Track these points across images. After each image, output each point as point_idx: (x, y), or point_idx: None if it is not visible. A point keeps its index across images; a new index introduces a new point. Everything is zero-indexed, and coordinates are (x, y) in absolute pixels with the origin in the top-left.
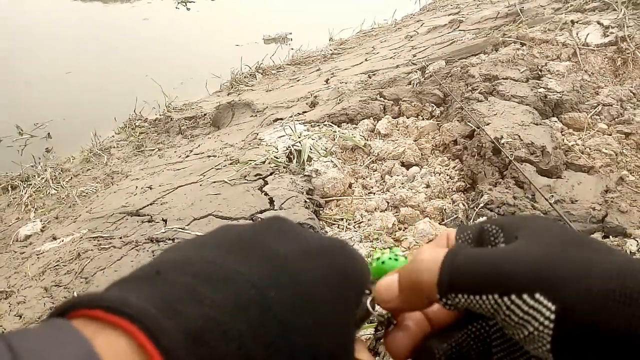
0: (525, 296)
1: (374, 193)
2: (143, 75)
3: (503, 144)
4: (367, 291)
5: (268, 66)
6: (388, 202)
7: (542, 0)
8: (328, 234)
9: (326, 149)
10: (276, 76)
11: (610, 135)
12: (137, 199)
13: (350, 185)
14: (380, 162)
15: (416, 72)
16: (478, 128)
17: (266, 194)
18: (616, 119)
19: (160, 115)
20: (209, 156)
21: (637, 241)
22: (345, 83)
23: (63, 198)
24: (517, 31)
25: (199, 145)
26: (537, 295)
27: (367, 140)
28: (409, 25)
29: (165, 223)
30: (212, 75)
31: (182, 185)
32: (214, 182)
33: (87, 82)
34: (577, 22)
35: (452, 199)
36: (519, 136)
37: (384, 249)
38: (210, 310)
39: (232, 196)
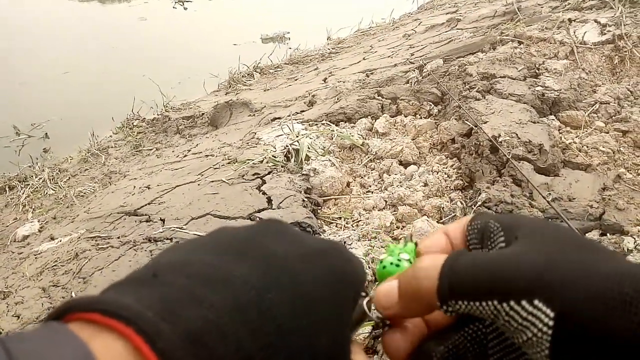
0: (524, 302)
1: (372, 192)
2: (141, 75)
3: (501, 142)
4: (363, 293)
5: (266, 65)
6: (386, 201)
7: None
8: (326, 232)
9: (324, 148)
10: (274, 75)
11: (607, 133)
12: (135, 199)
13: (348, 184)
14: (378, 161)
15: (414, 70)
16: (476, 126)
17: (264, 193)
18: (613, 117)
19: (158, 115)
20: (207, 156)
21: (635, 238)
22: (343, 82)
23: (61, 198)
24: (514, 29)
25: (196, 145)
26: (536, 302)
27: (365, 139)
28: (407, 24)
29: (163, 223)
30: (210, 74)
31: (180, 185)
32: (212, 181)
33: (84, 82)
34: (574, 20)
35: (450, 197)
36: (517, 134)
37: (396, 247)
38: (209, 312)
39: (230, 195)
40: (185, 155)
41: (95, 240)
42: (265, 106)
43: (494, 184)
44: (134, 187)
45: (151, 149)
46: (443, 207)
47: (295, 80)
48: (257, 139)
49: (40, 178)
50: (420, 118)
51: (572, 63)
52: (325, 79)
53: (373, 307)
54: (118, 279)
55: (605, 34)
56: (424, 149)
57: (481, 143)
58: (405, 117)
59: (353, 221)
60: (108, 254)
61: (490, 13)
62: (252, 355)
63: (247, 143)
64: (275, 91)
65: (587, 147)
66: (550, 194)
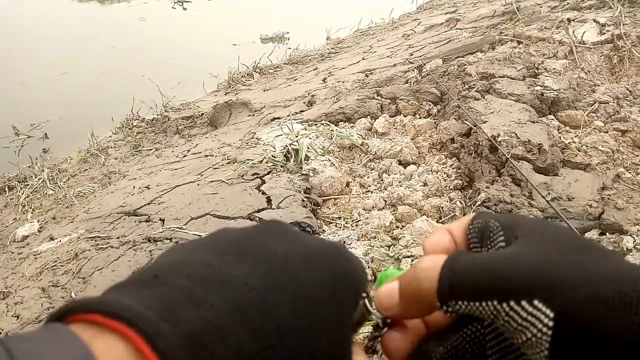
0: (523, 303)
1: (372, 192)
2: (140, 75)
3: (500, 142)
4: (364, 294)
5: (265, 65)
6: (385, 201)
7: None
8: (326, 232)
9: (323, 147)
10: (273, 75)
11: (606, 132)
12: (134, 199)
13: (347, 184)
14: (377, 161)
15: (413, 70)
16: (475, 126)
17: (264, 193)
18: (612, 117)
19: (157, 115)
20: (207, 156)
21: (634, 238)
22: (343, 82)
23: (60, 198)
24: (513, 29)
25: (196, 145)
26: (536, 302)
27: (365, 139)
28: (406, 24)
29: (163, 223)
30: (210, 74)
31: (179, 185)
32: (212, 181)
33: (83, 82)
34: (573, 20)
35: (449, 197)
36: (516, 134)
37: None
38: (209, 313)
39: (229, 195)
40: (185, 156)
41: (95, 241)
42: (264, 106)
43: (493, 184)
44: (134, 187)
45: (151, 149)
46: (442, 207)
47: (295, 80)
48: (257, 139)
49: (40, 178)
50: (420, 118)
51: (571, 63)
52: (325, 79)
53: (374, 308)
54: (118, 279)
55: (604, 33)
56: (423, 148)
57: (480, 143)
58: (405, 117)
59: (352, 221)
60: (108, 254)
61: (489, 13)
62: (253, 356)
63: (247, 143)
64: (275, 91)
65: (586, 146)
66: (549, 193)
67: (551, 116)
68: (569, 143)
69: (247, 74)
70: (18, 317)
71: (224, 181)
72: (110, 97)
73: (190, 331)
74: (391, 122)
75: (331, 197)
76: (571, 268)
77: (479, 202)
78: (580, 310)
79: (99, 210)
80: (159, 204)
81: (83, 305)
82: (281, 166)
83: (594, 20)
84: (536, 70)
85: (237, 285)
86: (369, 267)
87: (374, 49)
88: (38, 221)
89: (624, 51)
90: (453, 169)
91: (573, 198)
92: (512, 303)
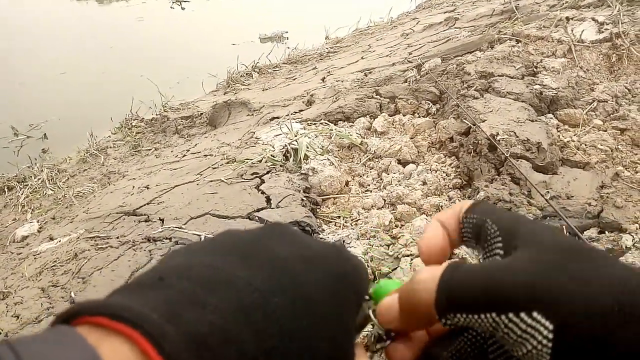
0: (523, 315)
1: (371, 191)
2: (139, 75)
3: (499, 140)
4: (367, 297)
5: (264, 65)
6: (385, 200)
7: None
8: (325, 231)
9: (323, 147)
10: (272, 75)
11: (605, 131)
12: (134, 199)
13: (347, 183)
14: (376, 160)
15: (412, 69)
16: (474, 125)
17: (263, 193)
18: (611, 115)
19: (156, 115)
20: (206, 155)
21: (633, 236)
22: (342, 81)
23: (60, 198)
24: (512, 28)
25: (195, 145)
26: (535, 314)
27: (364, 138)
28: (405, 23)
29: (162, 222)
30: (209, 74)
31: (179, 185)
32: (211, 181)
33: (82, 82)
34: (572, 18)
35: (448, 196)
36: (515, 133)
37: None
38: (213, 315)
39: (228, 195)
40: (184, 155)
41: (95, 240)
42: (263, 106)
43: (492, 183)
44: (133, 187)
45: (150, 149)
46: (442, 206)
47: (294, 79)
48: (256, 138)
49: (39, 178)
50: (419, 117)
51: (570, 61)
52: (324, 78)
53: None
54: (118, 279)
55: (602, 32)
56: (422, 147)
57: (479, 141)
58: (404, 116)
59: (352, 220)
60: (107, 254)
61: (488, 12)
62: (256, 357)
63: (246, 143)
64: (274, 91)
65: (585, 145)
66: (548, 192)
67: (550, 115)
68: (567, 142)
69: (246, 74)
70: (18, 317)
71: (223, 181)
72: (110, 97)
73: (195, 333)
74: (390, 121)
75: (330, 196)
76: (571, 278)
77: None
78: (580, 321)
79: (99, 210)
80: (158, 203)
81: (89, 307)
82: (280, 165)
83: (593, 19)
84: (535, 69)
85: (240, 286)
86: (368, 266)
87: (372, 48)
88: (37, 221)
89: (623, 50)
90: (452, 167)
91: (572, 196)
92: (510, 315)
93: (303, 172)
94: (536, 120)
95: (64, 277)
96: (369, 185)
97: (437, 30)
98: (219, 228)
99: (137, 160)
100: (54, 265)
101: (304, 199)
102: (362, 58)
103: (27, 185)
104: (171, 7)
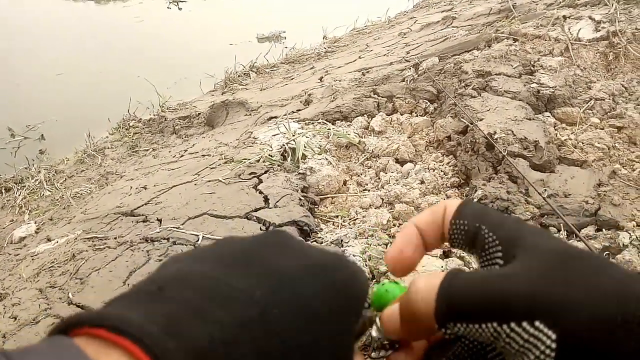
0: (525, 324)
1: (369, 190)
2: (136, 76)
3: (496, 139)
4: (367, 304)
5: (262, 65)
6: (383, 199)
7: None
8: (323, 231)
9: (320, 146)
10: (270, 75)
11: (602, 129)
12: (131, 199)
13: (344, 183)
14: (374, 159)
15: (410, 69)
16: (471, 124)
17: (261, 192)
18: (608, 113)
19: (154, 115)
20: (204, 155)
21: (630, 234)
22: (339, 81)
23: (57, 199)
24: (509, 27)
25: (193, 145)
26: (537, 323)
27: (361, 137)
28: (402, 22)
29: (160, 223)
30: (206, 74)
31: (176, 185)
32: (209, 181)
33: (80, 82)
34: (569, 17)
35: (446, 194)
36: (512, 131)
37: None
38: (214, 330)
39: (226, 195)
40: (182, 155)
41: (92, 241)
42: (261, 105)
43: (490, 181)
44: (131, 187)
45: (148, 150)
46: None
47: (292, 79)
48: (254, 138)
49: (37, 179)
50: (416, 116)
51: (567, 60)
52: (321, 77)
53: (378, 327)
54: (115, 279)
55: (599, 30)
56: (420, 146)
57: (477, 140)
58: (401, 115)
59: (350, 219)
60: (105, 255)
61: (485, 11)
62: None
63: (244, 142)
64: (272, 90)
65: (583, 143)
66: (546, 190)
67: (547, 113)
68: (565, 140)
69: (244, 74)
70: (15, 319)
71: (221, 181)
72: (107, 97)
73: (195, 348)
74: (388, 121)
75: (328, 195)
76: (572, 287)
77: (475, 200)
78: (583, 331)
79: (96, 211)
80: (156, 204)
81: (88, 318)
82: (278, 165)
83: (590, 18)
84: (532, 68)
85: (242, 299)
86: (366, 265)
87: (370, 47)
88: (35, 222)
89: (620, 48)
90: (450, 166)
91: (569, 195)
92: (512, 325)
93: (301, 171)
94: (533, 119)
95: (61, 278)
96: (366, 185)
97: (434, 29)
98: (216, 228)
99: (135, 161)
100: (51, 266)
101: (302, 198)
102: (359, 57)
103: (25, 186)
104: (168, 8)
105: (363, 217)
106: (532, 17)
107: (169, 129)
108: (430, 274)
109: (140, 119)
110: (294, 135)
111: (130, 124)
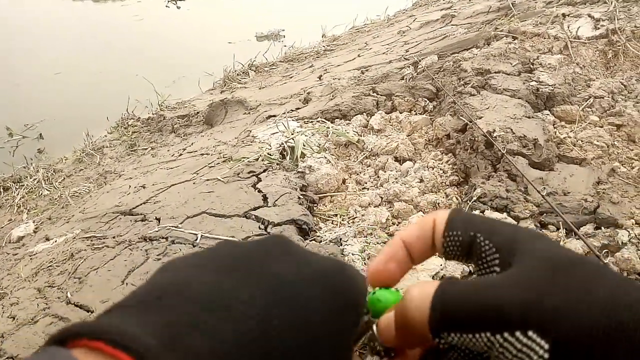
0: (518, 334)
1: (368, 188)
2: (135, 75)
3: (495, 137)
4: (365, 309)
5: (261, 63)
6: (382, 197)
7: None
8: (322, 229)
9: (319, 145)
10: (269, 73)
11: (601, 127)
12: (130, 198)
13: (344, 181)
14: (373, 158)
15: (409, 67)
16: (471, 122)
17: (260, 191)
18: (607, 111)
19: (153, 114)
20: (202, 154)
21: (629, 232)
22: (338, 79)
23: (56, 199)
24: (508, 25)
25: (192, 144)
26: (530, 333)
27: (361, 135)
28: (402, 20)
29: (159, 222)
30: (205, 73)
31: (175, 184)
32: (208, 180)
33: (78, 82)
34: (568, 15)
35: (445, 193)
36: (512, 129)
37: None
38: (214, 342)
39: (225, 194)
40: (181, 154)
41: (91, 240)
42: (260, 104)
43: (489, 179)
44: (129, 186)
45: (146, 148)
46: (439, 203)
47: (290, 77)
48: (253, 137)
49: (35, 179)
50: (416, 114)
51: (566, 58)
52: (320, 76)
53: (374, 332)
54: (114, 278)
55: (598, 28)
56: (419, 145)
57: (476, 138)
58: (401, 113)
59: (349, 218)
60: (103, 254)
61: (484, 9)
62: None
63: (243, 141)
64: (271, 89)
65: (582, 141)
66: (545, 188)
67: (546, 111)
68: (564, 138)
69: (243, 72)
70: (14, 318)
71: (219, 179)
72: (106, 96)
73: None
74: (387, 119)
75: (327, 194)
76: (566, 298)
77: (474, 198)
78: (576, 340)
79: (95, 210)
80: (154, 203)
81: (87, 330)
82: (277, 164)
83: (589, 15)
84: (531, 66)
85: (242, 310)
86: (365, 264)
87: (369, 45)
88: (33, 222)
89: (619, 46)
90: (449, 165)
91: (568, 193)
92: (505, 334)
93: (300, 170)
94: (532, 117)
95: (60, 277)
96: (365, 183)
97: (433, 27)
98: (215, 227)
99: (134, 160)
100: (50, 266)
101: (301, 197)
102: (358, 56)
103: (23, 185)
104: (166, 6)
105: (362, 215)
106: (531, 15)
107: (168, 128)
108: (425, 282)
109: (139, 118)
110: (292, 134)
111: (129, 123)
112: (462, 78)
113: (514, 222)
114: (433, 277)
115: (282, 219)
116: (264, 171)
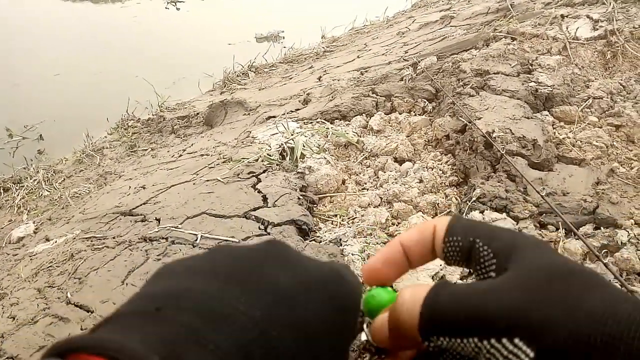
0: (504, 341)
1: (368, 189)
2: (135, 76)
3: (495, 138)
4: (361, 313)
5: (261, 64)
6: (381, 198)
7: None
8: (322, 230)
9: (319, 145)
10: (269, 74)
11: (600, 127)
12: (130, 199)
13: (343, 182)
14: (373, 158)
15: (408, 68)
16: (470, 123)
17: (259, 192)
18: (606, 112)
19: (152, 115)
20: (202, 155)
21: (628, 232)
22: (338, 80)
23: (56, 199)
24: (507, 26)
25: (192, 145)
26: (517, 341)
27: (360, 136)
28: (401, 21)
29: (159, 222)
30: (205, 74)
31: (175, 185)
32: (207, 180)
33: (78, 82)
34: (567, 16)
35: (445, 193)
36: (511, 130)
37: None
38: (214, 356)
39: (225, 194)
40: (181, 155)
41: (91, 241)
42: (260, 105)
43: (488, 180)
44: (129, 187)
45: (146, 149)
46: (438, 203)
47: (290, 79)
48: (252, 137)
49: (35, 179)
50: (415, 115)
51: (565, 59)
52: (320, 77)
53: (367, 331)
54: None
55: (597, 29)
56: (418, 145)
57: (475, 139)
58: (400, 114)
59: (349, 218)
60: (103, 254)
61: (483, 10)
62: None
63: (242, 142)
64: (270, 90)
65: (581, 141)
66: (544, 188)
67: (545, 112)
68: (563, 138)
69: (243, 73)
70: (14, 319)
71: (219, 180)
72: (106, 97)
73: None
74: (386, 120)
75: (327, 194)
76: (554, 306)
77: (474, 198)
78: (561, 350)
79: (95, 211)
80: (154, 203)
81: (87, 344)
82: (277, 164)
83: (587, 16)
84: (530, 67)
85: (241, 321)
86: (365, 263)
87: (369, 47)
88: (34, 222)
89: (617, 47)
90: (448, 165)
91: (568, 193)
92: (492, 341)
93: (299, 170)
94: (532, 118)
95: (60, 277)
96: (365, 184)
97: (432, 28)
98: (215, 227)
99: (134, 161)
100: (50, 266)
101: (301, 197)
102: (358, 57)
103: (23, 186)
104: (166, 8)
105: (362, 216)
106: (530, 16)
107: (168, 129)
108: (418, 285)
109: (139, 118)
110: (292, 135)
111: (129, 124)
112: (461, 79)
113: (513, 222)
114: (432, 277)
115: (282, 220)
116: (264, 172)
